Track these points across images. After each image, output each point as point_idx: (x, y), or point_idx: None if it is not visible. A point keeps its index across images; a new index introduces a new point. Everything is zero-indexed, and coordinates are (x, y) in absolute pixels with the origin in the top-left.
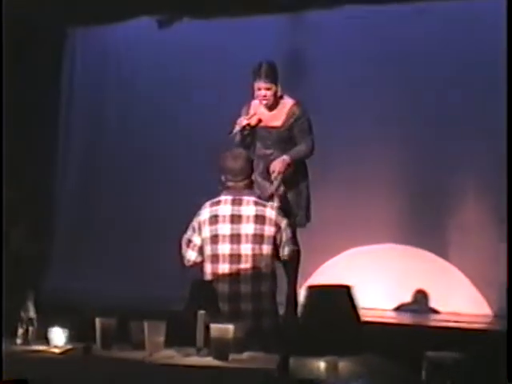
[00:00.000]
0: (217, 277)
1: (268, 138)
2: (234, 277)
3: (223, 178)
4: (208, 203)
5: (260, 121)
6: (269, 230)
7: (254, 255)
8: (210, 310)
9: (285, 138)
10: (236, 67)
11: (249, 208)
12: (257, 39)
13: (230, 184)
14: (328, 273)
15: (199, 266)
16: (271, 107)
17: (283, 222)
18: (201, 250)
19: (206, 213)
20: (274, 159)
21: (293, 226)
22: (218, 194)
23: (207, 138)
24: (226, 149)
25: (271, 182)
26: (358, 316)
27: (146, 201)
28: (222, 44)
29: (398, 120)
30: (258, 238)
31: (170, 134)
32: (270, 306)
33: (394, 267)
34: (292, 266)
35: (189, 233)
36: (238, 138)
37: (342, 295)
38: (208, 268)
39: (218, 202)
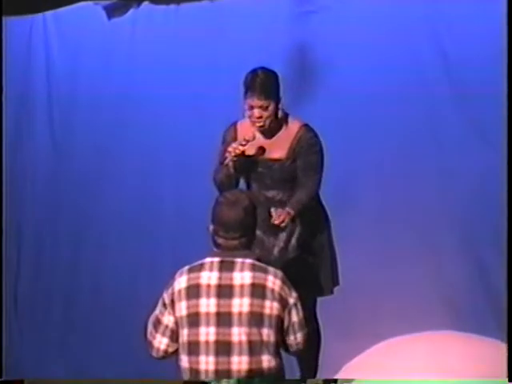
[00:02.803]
0: (196, 374)
1: (267, 176)
2: (222, 375)
3: (211, 229)
4: (186, 268)
5: (263, 150)
6: (270, 307)
7: (250, 343)
8: None
9: (291, 175)
10: (220, 73)
11: (243, 274)
12: (249, 32)
13: (219, 241)
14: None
15: (173, 356)
16: (269, 133)
17: (292, 297)
18: (174, 335)
19: (182, 281)
20: (279, 204)
21: (311, 298)
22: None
23: (171, 176)
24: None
25: (274, 236)
26: None
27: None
28: (198, 40)
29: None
30: (256, 319)
31: (122, 167)
32: None
33: (454, 358)
34: (309, 353)
35: (157, 310)
36: (224, 172)
37: None
38: (184, 361)
39: (201, 267)
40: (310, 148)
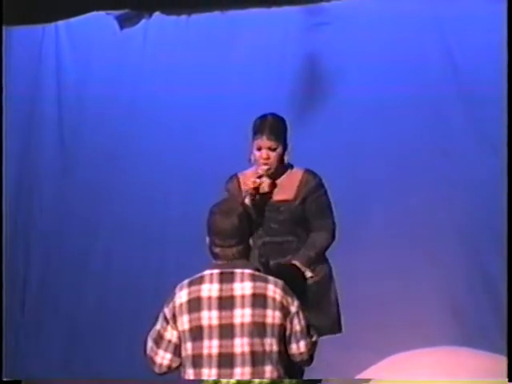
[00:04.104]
0: None
1: (274, 220)
2: None
3: (208, 241)
4: (186, 282)
5: (275, 186)
6: (272, 317)
7: (253, 354)
8: None
9: (299, 217)
10: (230, 83)
11: (244, 285)
12: (261, 43)
13: (216, 250)
14: None
15: (175, 371)
16: (274, 176)
17: (294, 305)
18: (178, 350)
19: (183, 295)
20: (287, 251)
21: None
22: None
23: (179, 183)
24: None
25: None
26: None
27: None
28: (209, 50)
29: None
30: (258, 329)
31: (130, 174)
32: None
33: (458, 373)
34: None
35: (158, 325)
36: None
37: None
38: (189, 374)
39: (201, 279)
40: (317, 189)
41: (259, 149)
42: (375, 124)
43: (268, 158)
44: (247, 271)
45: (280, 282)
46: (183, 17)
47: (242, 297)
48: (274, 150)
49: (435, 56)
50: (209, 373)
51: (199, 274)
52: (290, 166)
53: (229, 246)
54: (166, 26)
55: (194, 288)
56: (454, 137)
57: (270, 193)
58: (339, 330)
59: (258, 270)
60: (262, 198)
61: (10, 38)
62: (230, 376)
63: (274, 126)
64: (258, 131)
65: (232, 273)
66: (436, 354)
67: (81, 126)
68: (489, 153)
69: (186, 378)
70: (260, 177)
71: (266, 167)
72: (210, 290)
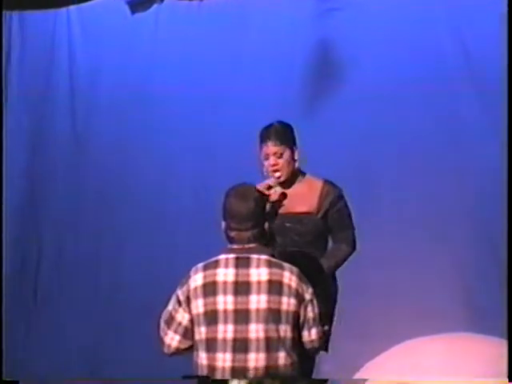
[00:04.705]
0: (212, 371)
1: (295, 231)
2: (240, 372)
3: (224, 225)
4: (201, 265)
5: (285, 196)
6: (288, 304)
7: (267, 340)
8: None
9: (321, 232)
10: (242, 70)
11: (260, 271)
12: (273, 29)
13: (232, 234)
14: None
15: (184, 353)
16: (287, 185)
17: (308, 292)
18: (188, 333)
19: (198, 278)
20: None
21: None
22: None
23: (191, 171)
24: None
25: None
26: None
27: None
28: (221, 35)
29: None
30: (273, 315)
31: (142, 161)
32: None
33: (470, 359)
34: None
35: (170, 306)
36: None
37: None
38: (203, 358)
39: (216, 264)
40: (338, 201)
41: (267, 157)
42: (386, 110)
43: (276, 165)
44: (263, 257)
45: (295, 269)
46: (195, 1)
47: (258, 283)
48: (281, 155)
49: (447, 42)
50: (223, 357)
51: (214, 258)
52: (302, 174)
53: (245, 229)
54: (178, 10)
55: (209, 272)
56: (469, 126)
57: (279, 201)
58: (326, 348)
59: (273, 256)
60: (272, 207)
61: (23, 23)
62: (245, 361)
63: (279, 132)
64: (263, 139)
65: (248, 258)
66: (447, 340)
67: (93, 112)
68: (500, 138)
69: (199, 361)
70: (269, 188)
71: (276, 176)
72: (226, 274)
